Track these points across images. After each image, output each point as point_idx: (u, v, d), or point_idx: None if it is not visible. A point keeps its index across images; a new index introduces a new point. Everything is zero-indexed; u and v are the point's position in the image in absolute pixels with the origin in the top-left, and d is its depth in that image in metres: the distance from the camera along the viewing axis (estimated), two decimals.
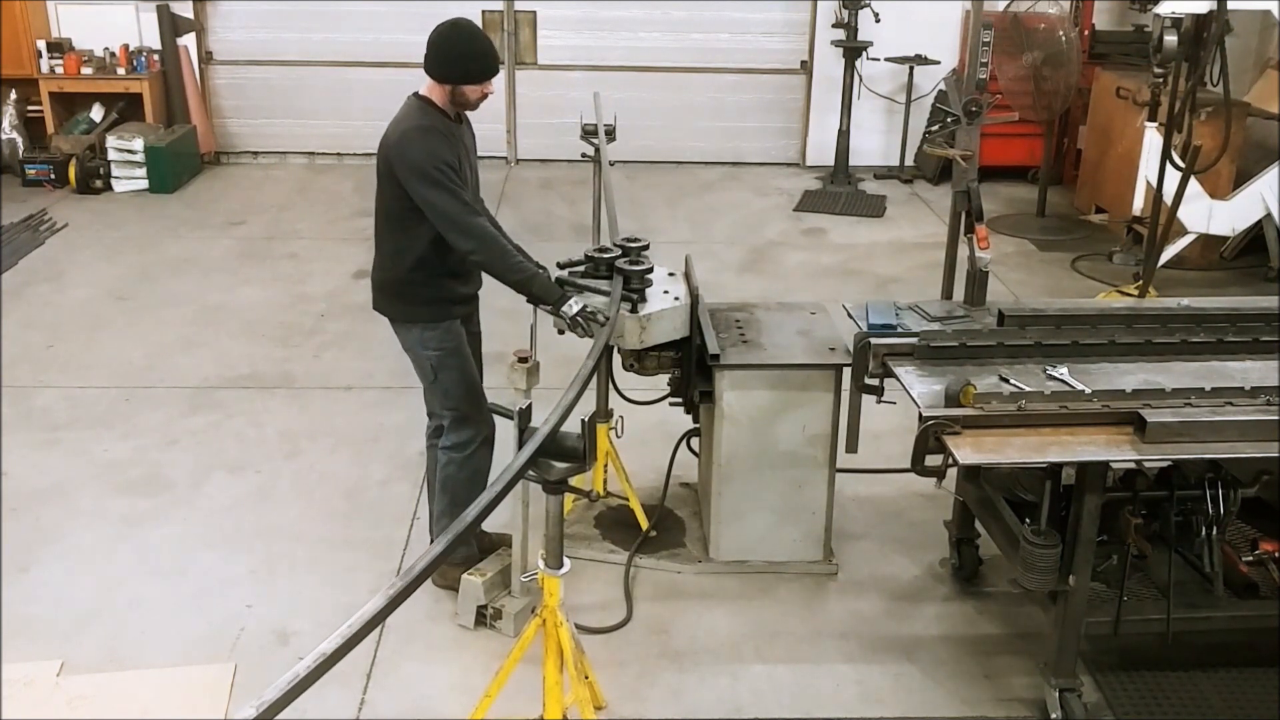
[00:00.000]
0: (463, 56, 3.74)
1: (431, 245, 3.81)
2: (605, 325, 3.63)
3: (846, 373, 3.94)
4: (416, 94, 3.82)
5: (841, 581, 4.33)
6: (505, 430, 3.70)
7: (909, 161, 9.84)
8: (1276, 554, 3.76)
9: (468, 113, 3.94)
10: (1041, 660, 3.66)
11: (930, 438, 3.19)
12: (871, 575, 4.37)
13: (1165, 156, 6.44)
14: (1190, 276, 7.50)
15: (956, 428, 3.19)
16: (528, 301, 3.87)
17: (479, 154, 4.10)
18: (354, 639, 1.92)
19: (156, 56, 9.43)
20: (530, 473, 2.86)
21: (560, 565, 3.10)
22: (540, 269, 3.89)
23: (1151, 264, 6.69)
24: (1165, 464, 3.53)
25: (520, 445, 2.89)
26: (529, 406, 3.01)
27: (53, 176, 9.02)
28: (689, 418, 4.50)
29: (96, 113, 9.42)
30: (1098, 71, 8.83)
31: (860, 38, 9.20)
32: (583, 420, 2.89)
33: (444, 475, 4.11)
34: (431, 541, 4.05)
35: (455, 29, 3.76)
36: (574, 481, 3.10)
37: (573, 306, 3.76)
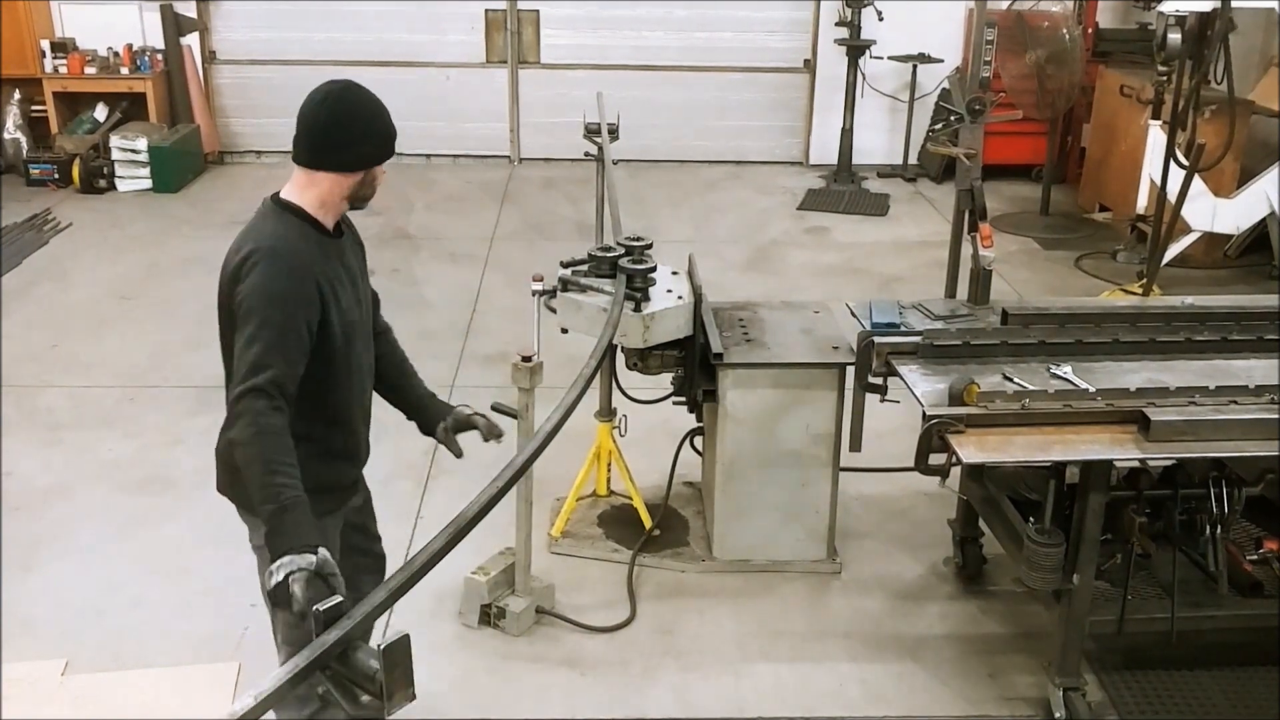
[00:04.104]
0: (385, 127, 2.75)
1: (303, 408, 2.62)
2: (299, 612, 2.26)
3: (850, 371, 3.94)
4: (275, 197, 2.76)
5: (845, 580, 4.33)
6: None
7: (912, 160, 9.83)
8: None
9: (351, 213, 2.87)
10: (1046, 659, 3.66)
11: (934, 436, 3.19)
12: (875, 574, 4.36)
13: (1169, 155, 6.42)
14: (1194, 275, 7.49)
15: (960, 426, 3.19)
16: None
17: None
18: (353, 632, 1.92)
19: (160, 56, 9.44)
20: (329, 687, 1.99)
21: None
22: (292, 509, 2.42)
23: (1155, 262, 6.68)
24: (1169, 463, 3.52)
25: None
26: (340, 604, 2.03)
27: (57, 176, 9.03)
28: (692, 417, 4.50)
29: (100, 112, 9.43)
30: (1101, 69, 8.82)
31: (863, 36, 9.20)
32: (379, 646, 1.92)
33: None
34: None
35: (357, 92, 2.73)
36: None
37: (275, 574, 2.30)
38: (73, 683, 3.71)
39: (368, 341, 2.93)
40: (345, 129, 2.69)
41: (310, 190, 2.72)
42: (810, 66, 10.02)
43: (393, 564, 4.19)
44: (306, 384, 2.62)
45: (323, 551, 2.35)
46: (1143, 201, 7.28)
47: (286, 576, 2.28)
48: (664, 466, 4.68)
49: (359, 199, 2.78)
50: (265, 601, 2.46)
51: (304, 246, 2.67)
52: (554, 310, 4.14)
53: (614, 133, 5.81)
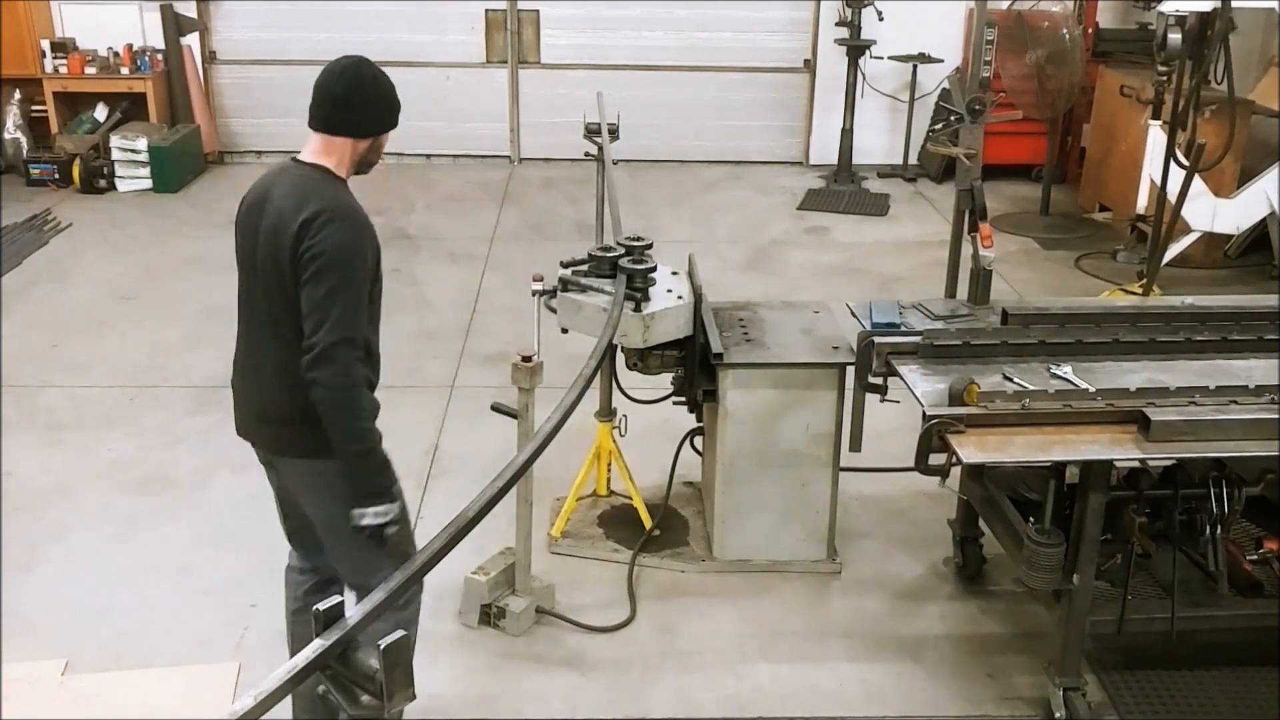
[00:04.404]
0: (393, 98, 3.06)
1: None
2: (386, 551, 2.82)
3: (850, 371, 3.94)
4: (298, 160, 3.01)
5: (845, 580, 4.33)
6: None
7: (912, 160, 9.83)
8: None
9: None
10: (1046, 659, 3.66)
11: (934, 436, 3.18)
12: (875, 574, 4.36)
13: (1169, 154, 6.42)
14: (1194, 275, 7.49)
15: (960, 426, 3.19)
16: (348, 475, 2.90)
17: None
18: (352, 631, 1.92)
19: (160, 56, 9.45)
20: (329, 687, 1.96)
21: None
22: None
23: (1155, 262, 6.68)
24: (1169, 463, 3.52)
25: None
26: (340, 604, 1.95)
27: (57, 176, 9.04)
28: (692, 417, 4.50)
29: (100, 112, 9.43)
30: (1101, 69, 8.82)
31: (863, 36, 9.20)
32: (380, 646, 1.87)
33: None
34: None
35: (370, 66, 3.03)
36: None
37: (366, 518, 2.84)
38: (73, 683, 3.71)
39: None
40: (359, 98, 2.98)
41: (329, 155, 2.98)
42: (810, 66, 10.02)
43: None
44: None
45: (399, 491, 2.87)
46: (1143, 201, 7.27)
47: (381, 525, 2.81)
48: (664, 466, 4.68)
49: (365, 164, 3.06)
50: (350, 532, 2.87)
51: (357, 204, 2.95)
52: (554, 310, 4.14)
53: (614, 133, 5.80)
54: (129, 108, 9.48)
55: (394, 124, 3.07)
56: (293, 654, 2.62)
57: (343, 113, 2.96)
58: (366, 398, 2.87)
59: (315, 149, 2.99)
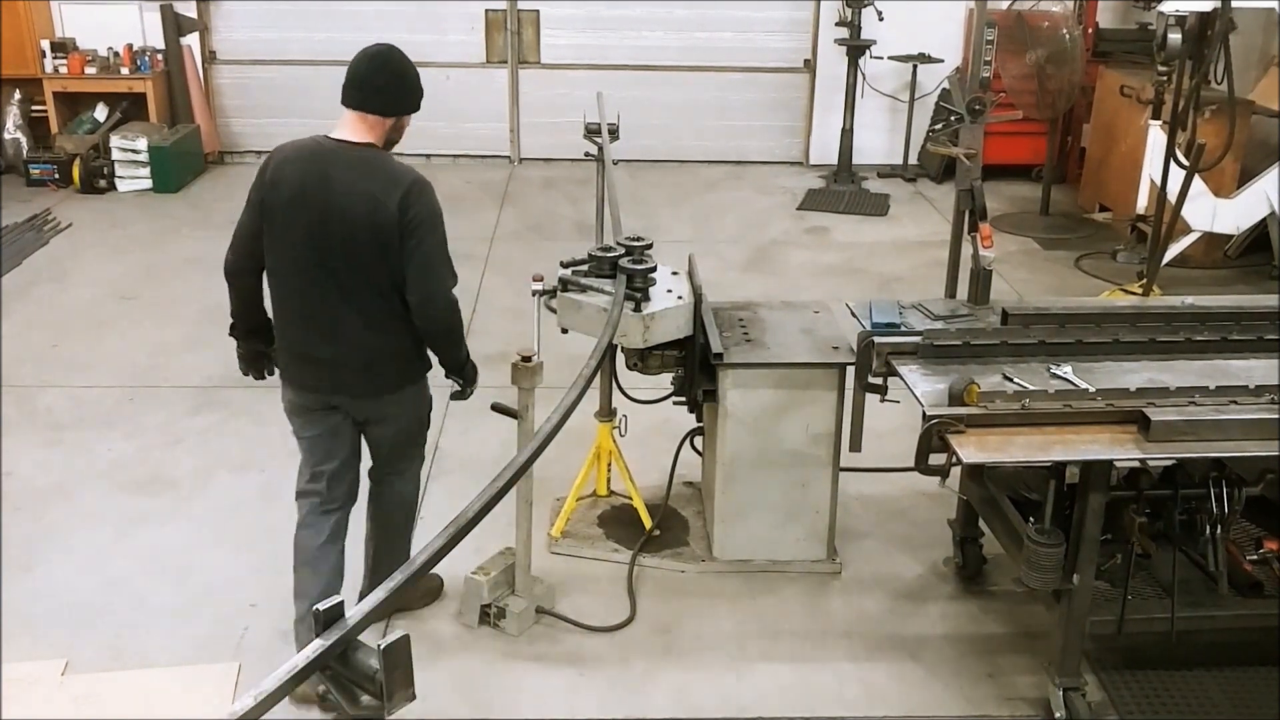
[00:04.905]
0: (419, 83, 3.45)
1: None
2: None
3: (850, 371, 3.94)
4: (342, 140, 3.37)
5: (845, 580, 4.33)
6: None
7: (913, 160, 9.84)
8: None
9: None
10: (1046, 659, 3.66)
11: (934, 436, 3.18)
12: (875, 574, 4.36)
13: (1169, 155, 6.42)
14: (1194, 275, 7.49)
15: (960, 426, 3.19)
16: (447, 373, 3.74)
17: None
18: (352, 632, 1.92)
19: (160, 56, 9.45)
20: (329, 689, 1.97)
21: None
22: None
23: (1155, 262, 6.68)
24: (1169, 463, 3.52)
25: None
26: (340, 604, 1.93)
27: (57, 176, 9.04)
28: (692, 417, 4.50)
29: (100, 112, 9.44)
30: (1101, 69, 8.82)
31: (864, 36, 9.20)
32: (380, 647, 1.86)
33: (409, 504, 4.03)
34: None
35: (399, 52, 3.41)
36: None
37: (468, 391, 3.83)
38: (73, 683, 3.71)
39: None
40: (392, 80, 3.35)
41: (370, 132, 3.34)
42: (810, 66, 10.03)
43: None
44: None
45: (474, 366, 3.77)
46: (1143, 201, 7.28)
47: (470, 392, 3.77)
48: (664, 466, 4.68)
49: (389, 143, 3.42)
50: (410, 431, 3.78)
51: None
52: (554, 310, 4.14)
53: (614, 133, 5.80)
54: (129, 108, 9.48)
55: (418, 107, 3.44)
56: (318, 597, 2.72)
57: (376, 93, 3.32)
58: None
59: (353, 127, 3.34)
